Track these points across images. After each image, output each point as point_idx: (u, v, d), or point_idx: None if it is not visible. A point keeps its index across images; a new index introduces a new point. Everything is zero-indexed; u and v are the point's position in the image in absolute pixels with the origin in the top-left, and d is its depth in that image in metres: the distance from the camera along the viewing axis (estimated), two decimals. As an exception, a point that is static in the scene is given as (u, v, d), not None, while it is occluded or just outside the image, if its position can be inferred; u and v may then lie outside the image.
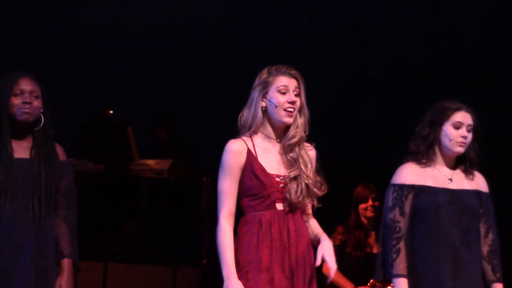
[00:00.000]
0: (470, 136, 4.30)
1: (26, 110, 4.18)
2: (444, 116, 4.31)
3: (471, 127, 4.30)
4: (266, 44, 9.30)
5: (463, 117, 4.29)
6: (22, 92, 4.19)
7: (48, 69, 8.52)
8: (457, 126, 4.28)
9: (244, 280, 3.87)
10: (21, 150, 4.21)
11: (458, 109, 4.30)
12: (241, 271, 3.89)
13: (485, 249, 4.33)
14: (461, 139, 4.27)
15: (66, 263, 4.25)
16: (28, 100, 4.18)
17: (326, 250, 3.93)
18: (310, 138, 4.07)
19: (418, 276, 4.26)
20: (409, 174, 4.33)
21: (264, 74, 3.99)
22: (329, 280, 3.98)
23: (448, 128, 4.29)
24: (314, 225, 4.05)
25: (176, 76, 9.58)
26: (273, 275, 3.86)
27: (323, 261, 6.17)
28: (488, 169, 4.45)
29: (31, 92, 4.20)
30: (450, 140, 4.28)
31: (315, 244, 3.99)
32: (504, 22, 8.77)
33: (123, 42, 9.59)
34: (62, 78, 9.00)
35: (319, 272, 6.16)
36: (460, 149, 4.29)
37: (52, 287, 4.19)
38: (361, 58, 9.25)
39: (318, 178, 4.01)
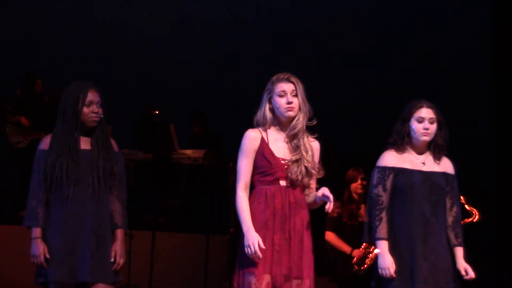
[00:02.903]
0: (433, 127, 4.40)
1: (95, 118, 4.31)
2: (409, 113, 4.44)
3: (433, 119, 4.40)
4: (286, 51, 9.34)
5: (424, 112, 4.41)
6: (91, 103, 4.29)
7: (111, 77, 8.63)
8: (420, 120, 4.39)
9: None
10: (83, 142, 4.35)
11: (420, 107, 4.42)
12: None
13: (449, 219, 4.48)
14: (423, 131, 4.39)
15: (119, 232, 4.38)
16: (96, 110, 4.31)
17: (326, 189, 4.00)
18: (313, 130, 4.13)
19: (395, 239, 4.40)
20: (390, 158, 4.47)
21: (269, 82, 4.15)
22: (329, 210, 3.94)
23: (413, 123, 4.39)
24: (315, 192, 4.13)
25: (209, 83, 9.62)
26: (275, 235, 3.99)
27: (325, 230, 6.16)
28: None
29: (97, 103, 4.31)
30: (415, 132, 4.39)
31: (318, 202, 4.06)
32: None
33: (167, 58, 9.67)
34: (121, 86, 9.10)
35: (322, 239, 6.19)
36: (425, 138, 4.42)
37: (109, 252, 4.32)
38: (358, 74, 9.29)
39: (317, 164, 4.13)
